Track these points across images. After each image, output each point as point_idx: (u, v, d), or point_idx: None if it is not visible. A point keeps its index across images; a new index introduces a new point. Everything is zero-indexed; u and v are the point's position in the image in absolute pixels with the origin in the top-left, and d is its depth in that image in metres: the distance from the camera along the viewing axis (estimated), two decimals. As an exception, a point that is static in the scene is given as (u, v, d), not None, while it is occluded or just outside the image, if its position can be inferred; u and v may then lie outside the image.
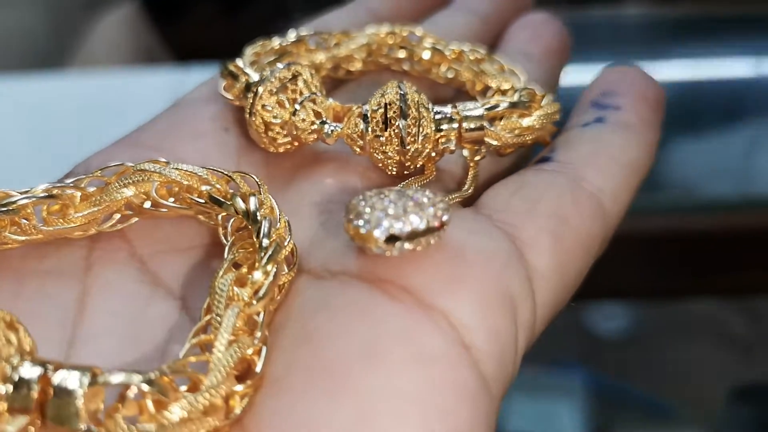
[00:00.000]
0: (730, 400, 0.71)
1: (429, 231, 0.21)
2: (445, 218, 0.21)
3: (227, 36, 0.93)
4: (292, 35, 0.32)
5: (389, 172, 0.26)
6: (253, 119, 0.26)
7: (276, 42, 0.31)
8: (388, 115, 0.25)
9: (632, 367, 0.82)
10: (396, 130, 0.25)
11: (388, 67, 0.33)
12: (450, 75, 0.32)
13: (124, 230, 0.24)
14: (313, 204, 0.25)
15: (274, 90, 0.26)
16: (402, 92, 0.25)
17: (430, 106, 0.26)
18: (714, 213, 0.63)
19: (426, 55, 0.32)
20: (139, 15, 0.88)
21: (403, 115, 0.25)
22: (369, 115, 0.26)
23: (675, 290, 0.70)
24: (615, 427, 0.74)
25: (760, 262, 0.63)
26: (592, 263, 0.26)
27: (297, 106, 0.26)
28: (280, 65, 0.27)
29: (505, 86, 0.30)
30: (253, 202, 0.22)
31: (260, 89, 0.26)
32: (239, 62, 0.29)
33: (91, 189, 0.24)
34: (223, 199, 0.23)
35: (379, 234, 0.21)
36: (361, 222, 0.21)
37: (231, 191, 0.23)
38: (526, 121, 0.27)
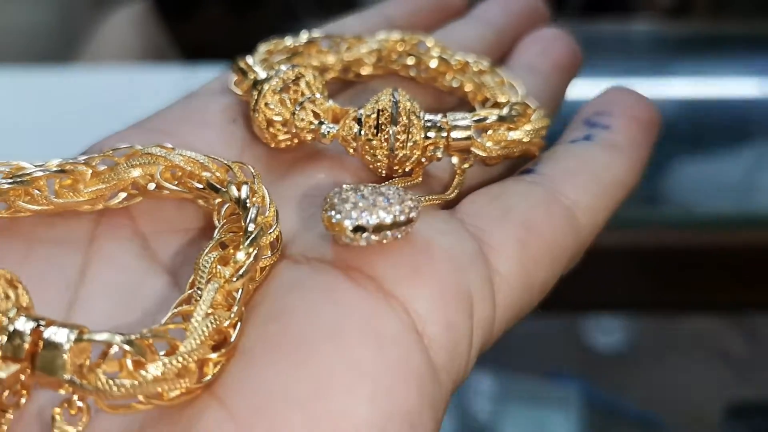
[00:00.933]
0: (725, 418, 0.71)
1: (395, 225, 0.23)
2: (412, 215, 0.23)
3: (236, 35, 0.93)
4: (304, 36, 0.33)
5: (379, 174, 0.28)
6: (257, 115, 0.28)
7: (289, 41, 0.33)
8: (380, 121, 0.27)
9: (628, 381, 0.82)
10: (386, 136, 0.27)
11: (396, 73, 0.34)
12: (455, 84, 0.33)
13: (129, 208, 0.26)
14: (304, 196, 0.27)
15: (278, 89, 0.28)
16: (395, 100, 0.27)
17: (422, 114, 0.27)
18: (715, 230, 0.63)
19: (433, 63, 0.33)
20: (149, 13, 0.88)
21: (394, 121, 0.27)
22: (363, 119, 0.27)
23: (673, 305, 0.70)
24: (608, 440, 0.74)
25: (759, 280, 0.63)
26: (566, 274, 0.27)
27: (297, 107, 0.28)
28: (284, 66, 0.29)
29: (502, 99, 0.31)
30: (245, 191, 0.24)
31: (264, 88, 0.28)
32: (249, 59, 0.30)
33: (102, 167, 0.26)
34: (219, 186, 0.25)
35: (348, 224, 0.22)
36: (333, 212, 0.23)
37: (228, 179, 0.25)
38: (513, 135, 0.28)
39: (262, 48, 0.32)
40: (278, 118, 0.28)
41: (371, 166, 0.28)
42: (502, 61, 0.36)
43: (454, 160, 0.28)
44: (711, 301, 0.67)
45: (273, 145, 0.28)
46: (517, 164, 0.30)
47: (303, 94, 0.28)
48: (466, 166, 0.28)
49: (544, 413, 0.73)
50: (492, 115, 0.28)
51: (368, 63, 0.34)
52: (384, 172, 0.28)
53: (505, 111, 0.28)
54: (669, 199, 0.65)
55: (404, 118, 0.27)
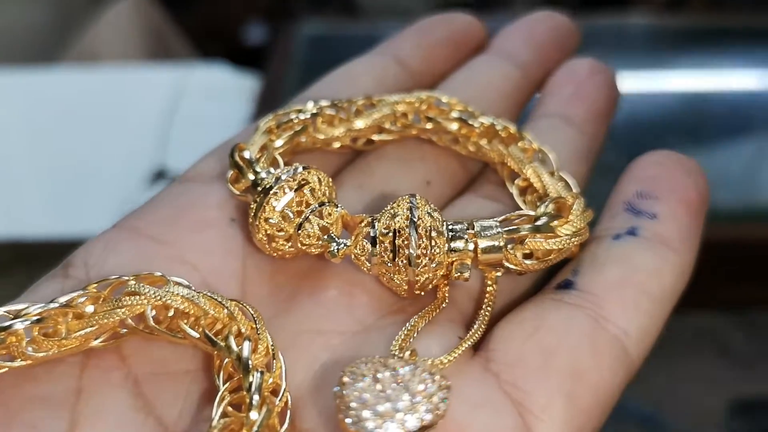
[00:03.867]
0: (728, 415, 0.70)
1: (423, 429, 0.20)
2: (441, 409, 0.20)
3: (239, 14, 0.91)
4: (310, 105, 0.29)
5: (399, 294, 0.25)
6: (256, 231, 0.25)
7: (293, 114, 0.29)
8: (397, 243, 0.23)
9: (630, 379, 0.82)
10: (404, 261, 0.23)
11: (414, 137, 0.30)
12: (478, 150, 0.30)
13: (119, 346, 0.23)
14: (315, 333, 0.24)
15: (278, 202, 0.25)
16: (413, 218, 0.23)
17: (445, 226, 0.24)
18: (716, 224, 0.62)
19: (453, 126, 0.29)
20: (147, 3, 0.87)
21: (413, 244, 0.23)
22: (377, 237, 0.24)
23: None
24: (611, 438, 0.74)
25: (760, 275, 0.63)
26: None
27: (302, 219, 0.25)
28: (285, 172, 0.25)
29: (533, 179, 0.27)
30: (246, 348, 0.21)
31: (264, 202, 0.24)
32: (246, 153, 0.26)
33: (87, 306, 0.23)
34: (217, 340, 0.22)
35: None
36: (350, 421, 0.20)
37: (227, 319, 0.22)
38: (551, 244, 0.25)
39: (263, 125, 0.28)
40: (281, 233, 0.25)
41: (389, 286, 0.25)
42: (538, 89, 0.32)
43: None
44: (712, 297, 0.67)
45: (277, 256, 0.25)
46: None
47: (308, 205, 0.25)
48: (498, 274, 0.25)
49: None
50: (524, 228, 0.24)
51: (384, 127, 0.30)
52: (404, 293, 0.24)
53: (541, 221, 0.25)
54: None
55: (425, 239, 0.23)
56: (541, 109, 0.32)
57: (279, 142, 0.28)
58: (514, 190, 0.28)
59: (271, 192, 0.24)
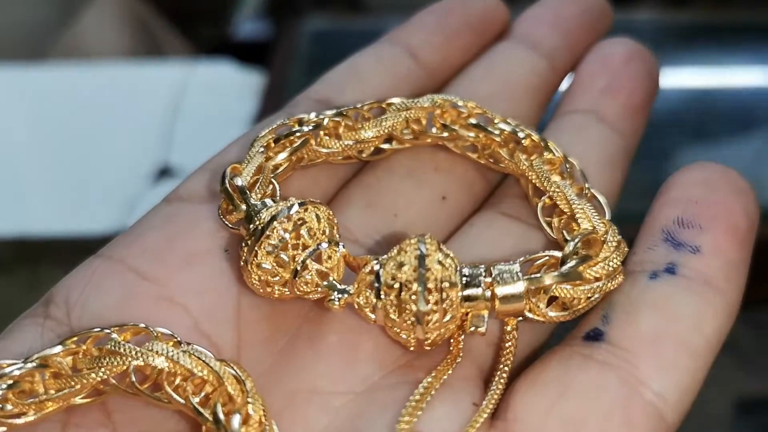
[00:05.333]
0: (735, 413, 0.70)
1: None
2: None
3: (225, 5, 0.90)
4: (312, 116, 0.26)
5: (407, 347, 0.22)
6: (248, 277, 0.22)
7: (293, 125, 0.26)
8: (403, 298, 0.21)
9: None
10: (412, 318, 0.21)
11: (426, 144, 0.27)
12: (498, 161, 0.26)
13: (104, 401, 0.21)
14: (314, 393, 0.21)
15: (272, 248, 0.22)
16: (422, 270, 0.21)
17: (458, 275, 0.21)
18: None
19: (470, 134, 0.26)
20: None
21: (422, 300, 0.21)
22: (382, 288, 0.21)
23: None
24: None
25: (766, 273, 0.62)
26: None
27: (298, 266, 0.22)
28: (281, 211, 0.22)
29: (559, 200, 0.24)
30: (236, 422, 0.19)
31: (255, 247, 0.22)
32: (238, 181, 0.24)
33: (66, 359, 0.21)
34: (204, 409, 0.20)
35: None
36: None
37: (217, 383, 0.20)
38: (579, 291, 0.22)
39: (259, 142, 0.25)
40: (276, 279, 0.22)
41: (396, 339, 0.22)
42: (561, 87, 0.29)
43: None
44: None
45: (274, 298, 0.23)
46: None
47: (305, 247, 0.22)
48: (512, 327, 0.22)
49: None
50: (548, 277, 0.22)
51: (392, 137, 0.27)
52: (413, 348, 0.22)
53: (568, 265, 0.22)
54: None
55: (434, 293, 0.21)
56: (570, 103, 0.28)
57: (281, 156, 0.25)
58: (538, 209, 0.25)
59: (264, 235, 0.22)
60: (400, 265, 0.21)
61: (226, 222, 0.23)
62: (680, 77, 0.68)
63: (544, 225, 0.25)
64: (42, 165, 0.69)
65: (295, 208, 0.22)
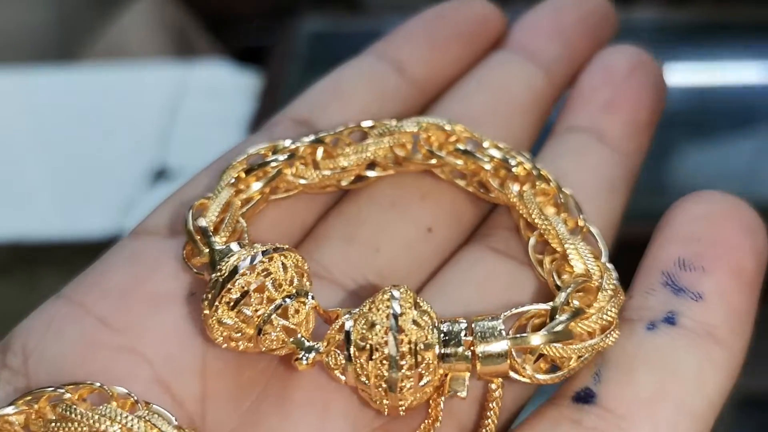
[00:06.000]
0: (735, 410, 0.70)
1: None
2: None
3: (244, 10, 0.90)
4: (287, 143, 0.24)
5: (380, 411, 0.20)
6: (210, 332, 0.20)
7: (267, 154, 0.24)
8: (374, 360, 0.19)
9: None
10: (384, 385, 0.19)
11: (411, 171, 0.25)
12: (488, 191, 0.25)
13: None
14: None
15: (233, 302, 0.20)
16: (393, 331, 0.19)
17: (436, 334, 0.19)
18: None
19: (458, 162, 0.25)
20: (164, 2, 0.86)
21: (395, 365, 0.19)
22: (351, 351, 0.19)
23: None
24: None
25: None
26: None
27: (262, 323, 0.20)
28: (241, 260, 0.20)
29: (551, 239, 0.23)
30: None
31: (216, 301, 0.20)
32: (202, 221, 0.22)
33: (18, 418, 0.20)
34: None
35: None
36: None
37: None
38: (570, 350, 0.20)
39: (229, 173, 0.23)
40: (238, 334, 0.20)
41: (368, 402, 0.20)
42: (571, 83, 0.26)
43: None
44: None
45: (239, 351, 0.21)
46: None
47: (270, 300, 0.20)
48: (497, 385, 0.20)
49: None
50: (536, 337, 0.20)
51: (375, 163, 0.25)
52: (387, 413, 0.20)
53: (556, 322, 0.20)
54: (673, 189, 0.64)
55: (408, 358, 0.19)
56: (569, 119, 0.26)
57: (254, 187, 0.24)
58: (530, 247, 0.23)
59: (224, 289, 0.20)
60: (372, 325, 0.19)
61: (191, 266, 0.22)
62: (679, 75, 0.68)
63: (535, 264, 0.23)
64: (40, 167, 0.69)
65: (259, 257, 0.20)
